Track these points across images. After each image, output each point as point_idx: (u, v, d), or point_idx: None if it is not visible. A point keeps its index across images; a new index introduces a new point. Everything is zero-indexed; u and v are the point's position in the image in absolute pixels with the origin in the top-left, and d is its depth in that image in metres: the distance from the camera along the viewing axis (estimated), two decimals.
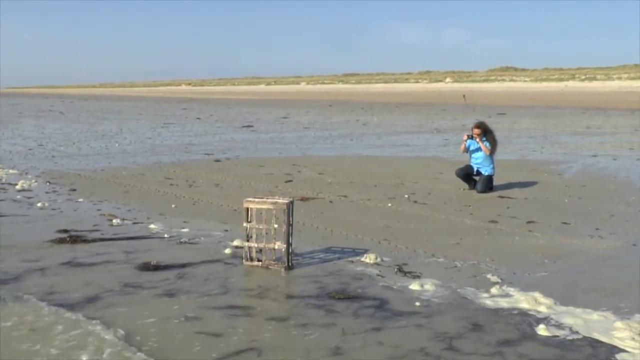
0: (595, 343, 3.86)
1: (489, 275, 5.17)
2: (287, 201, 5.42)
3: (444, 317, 4.24)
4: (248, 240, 5.44)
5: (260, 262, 5.38)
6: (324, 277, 5.11)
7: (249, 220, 5.42)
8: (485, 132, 9.33)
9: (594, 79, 76.76)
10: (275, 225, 5.34)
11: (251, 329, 4.04)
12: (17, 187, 9.39)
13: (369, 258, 5.61)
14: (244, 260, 5.46)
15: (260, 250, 5.43)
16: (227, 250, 5.88)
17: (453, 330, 4.02)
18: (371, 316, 4.26)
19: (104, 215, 7.46)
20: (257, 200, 5.49)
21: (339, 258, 5.67)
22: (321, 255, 5.75)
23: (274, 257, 5.36)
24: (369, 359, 3.62)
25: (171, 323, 4.13)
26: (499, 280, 5.04)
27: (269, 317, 4.23)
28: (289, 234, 5.34)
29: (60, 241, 6.17)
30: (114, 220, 7.10)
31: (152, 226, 6.86)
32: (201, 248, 6.01)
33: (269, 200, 5.48)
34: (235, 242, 6.11)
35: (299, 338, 3.90)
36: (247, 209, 5.43)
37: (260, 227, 5.42)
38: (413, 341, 3.85)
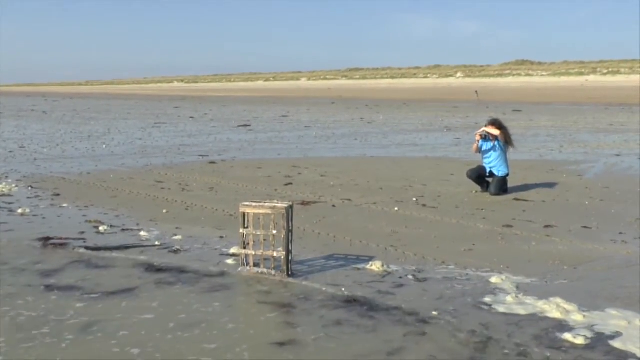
0: (620, 353, 3.86)
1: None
2: (286, 205, 5.43)
3: (456, 328, 4.24)
4: (245, 248, 5.45)
5: (258, 271, 5.39)
6: (325, 286, 5.11)
7: (245, 226, 5.43)
8: (500, 130, 9.35)
9: (618, 72, 76.79)
10: (274, 232, 5.35)
11: (245, 345, 4.05)
12: None
13: (375, 266, 5.62)
14: (240, 269, 5.46)
15: (258, 258, 5.44)
16: (222, 259, 5.89)
17: (464, 341, 4.02)
18: (378, 330, 4.25)
19: (90, 221, 7.48)
20: (254, 204, 5.49)
21: (342, 266, 5.68)
22: (323, 263, 5.76)
23: (272, 266, 5.37)
24: None
25: (154, 343, 4.11)
26: (515, 289, 5.04)
27: (264, 332, 4.23)
28: (288, 241, 5.34)
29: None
30: (101, 227, 7.12)
31: (142, 233, 6.87)
32: (195, 256, 6.01)
33: (267, 204, 5.49)
34: (232, 250, 6.13)
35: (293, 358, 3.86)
36: (244, 214, 5.44)
37: (258, 233, 5.43)
38: (425, 354, 3.85)
